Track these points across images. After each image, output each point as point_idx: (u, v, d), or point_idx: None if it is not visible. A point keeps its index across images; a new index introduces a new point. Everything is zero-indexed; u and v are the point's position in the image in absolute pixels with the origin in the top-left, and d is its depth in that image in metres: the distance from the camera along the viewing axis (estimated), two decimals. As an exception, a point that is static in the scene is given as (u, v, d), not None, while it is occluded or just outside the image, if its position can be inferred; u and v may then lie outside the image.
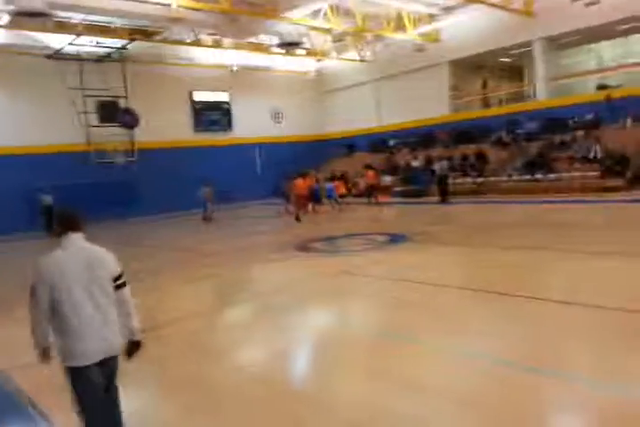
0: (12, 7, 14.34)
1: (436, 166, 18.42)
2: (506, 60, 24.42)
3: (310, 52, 25.24)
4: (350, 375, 4.44)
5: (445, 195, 17.64)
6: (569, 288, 6.43)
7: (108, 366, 3.07)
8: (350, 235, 12.16)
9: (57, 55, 18.89)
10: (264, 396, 4.01)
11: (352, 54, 25.82)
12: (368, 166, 19.79)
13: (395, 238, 10.92)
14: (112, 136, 19.62)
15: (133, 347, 3.16)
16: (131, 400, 4.31)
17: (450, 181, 18.18)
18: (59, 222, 3.06)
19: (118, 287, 3.09)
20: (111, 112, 19.85)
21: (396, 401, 3.75)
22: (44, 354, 3.02)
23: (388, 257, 9.07)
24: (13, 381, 4.74)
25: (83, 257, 2.99)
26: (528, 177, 17.45)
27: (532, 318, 5.34)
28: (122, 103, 20.05)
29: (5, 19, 16.50)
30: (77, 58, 19.14)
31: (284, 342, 5.48)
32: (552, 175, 16.85)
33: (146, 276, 9.41)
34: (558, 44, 21.16)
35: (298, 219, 15.19)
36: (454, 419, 3.44)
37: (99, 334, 2.95)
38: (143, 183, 21.87)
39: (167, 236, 16.30)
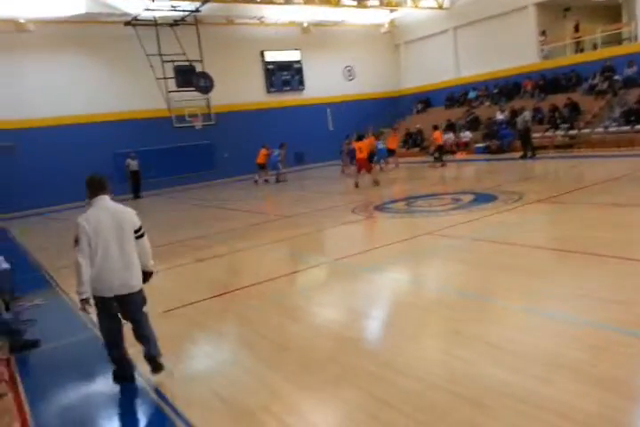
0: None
1: (518, 119, 17.18)
2: (601, -2, 22.05)
3: (384, 3, 24.02)
4: (430, 337, 4.27)
5: (530, 150, 16.53)
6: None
7: (127, 301, 3.80)
8: (432, 195, 11.73)
9: (134, 22, 19.15)
10: (346, 358, 3.91)
11: (429, 1, 24.31)
12: (435, 127, 18.71)
13: (480, 198, 10.38)
14: (190, 101, 19.91)
15: (147, 276, 4.01)
16: (221, 354, 4.42)
17: (534, 134, 16.97)
18: (90, 187, 3.80)
19: (139, 237, 3.89)
20: (188, 76, 20.03)
21: (481, 364, 3.55)
22: (84, 305, 3.65)
23: (474, 217, 8.63)
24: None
25: (111, 213, 3.76)
26: (627, 128, 15.91)
27: (632, 281, 4.91)
28: (198, 67, 20.16)
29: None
30: (154, 23, 19.30)
31: (363, 302, 5.41)
32: (656, 126, 15.29)
33: (228, 237, 9.59)
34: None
35: (357, 186, 14.42)
36: (547, 385, 3.16)
37: (120, 274, 3.71)
38: (221, 146, 22.27)
39: (244, 197, 16.54)
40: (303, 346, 4.35)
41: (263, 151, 19.49)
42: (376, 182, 14.48)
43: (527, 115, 16.97)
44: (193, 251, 8.69)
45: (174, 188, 20.30)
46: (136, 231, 3.84)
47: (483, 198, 10.24)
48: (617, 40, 20.91)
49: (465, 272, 6.02)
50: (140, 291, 3.90)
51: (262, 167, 19.66)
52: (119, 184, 19.73)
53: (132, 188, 19.69)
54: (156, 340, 4.01)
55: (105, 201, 3.80)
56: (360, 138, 15.47)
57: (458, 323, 4.43)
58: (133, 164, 19.38)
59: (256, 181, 19.53)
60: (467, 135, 20.87)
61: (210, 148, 22.16)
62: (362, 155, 14.41)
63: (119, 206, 3.86)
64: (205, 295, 6.04)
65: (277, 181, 19.36)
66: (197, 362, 4.37)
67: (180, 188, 20.82)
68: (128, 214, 3.83)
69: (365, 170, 14.78)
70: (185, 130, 20.36)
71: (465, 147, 20.65)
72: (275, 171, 19.46)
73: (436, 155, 18.21)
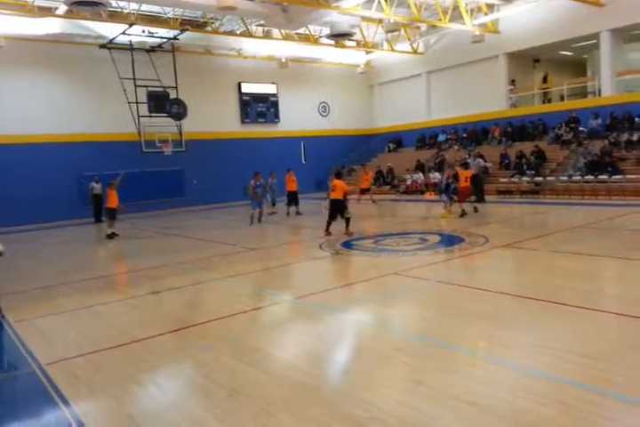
0: (68, -4, 14.41)
1: (471, 163, 17.39)
2: (568, 53, 23.14)
3: (361, 44, 24.65)
4: (391, 388, 4.00)
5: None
6: (630, 299, 5.83)
7: None
8: (399, 233, 11.65)
9: (110, 45, 19.05)
10: (300, 408, 3.63)
11: (404, 46, 25.06)
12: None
13: (447, 239, 10.36)
14: (161, 126, 19.68)
15: None
16: (166, 397, 4.01)
17: (501, 179, 17.28)
18: None
19: None
20: (161, 102, 19.89)
21: (443, 419, 3.31)
22: None
23: (441, 259, 8.55)
24: (48, 375, 4.56)
25: None
26: (591, 178, 16.38)
27: (596, 333, 4.87)
28: (171, 93, 20.06)
29: (62, 8, 16.72)
30: (129, 48, 19.25)
31: (323, 346, 5.15)
32: (618, 176, 15.75)
33: (189, 268, 9.23)
34: (627, 36, 19.84)
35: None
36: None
37: None
38: (191, 173, 21.98)
39: (211, 226, 16.16)
40: (256, 393, 4.04)
41: (111, 192, 13.97)
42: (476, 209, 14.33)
43: (480, 161, 17.37)
44: (150, 281, 8.30)
45: (139, 213, 19.75)
46: None
47: (449, 240, 10.21)
48: (582, 93, 21.84)
49: (429, 317, 5.84)
50: None
51: (113, 214, 14.01)
52: (81, 207, 19.20)
53: (94, 211, 19.12)
54: None
55: None
56: (466, 166, 14.87)
57: (419, 372, 4.21)
58: (97, 187, 18.86)
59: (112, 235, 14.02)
60: (436, 176, 21.15)
61: (180, 174, 21.83)
62: (466, 183, 13.89)
63: None
64: (157, 331, 5.67)
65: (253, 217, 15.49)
66: (140, 404, 4.01)
67: (146, 214, 20.29)
68: None
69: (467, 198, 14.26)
70: (154, 155, 20.04)
71: (434, 187, 20.87)
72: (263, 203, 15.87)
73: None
